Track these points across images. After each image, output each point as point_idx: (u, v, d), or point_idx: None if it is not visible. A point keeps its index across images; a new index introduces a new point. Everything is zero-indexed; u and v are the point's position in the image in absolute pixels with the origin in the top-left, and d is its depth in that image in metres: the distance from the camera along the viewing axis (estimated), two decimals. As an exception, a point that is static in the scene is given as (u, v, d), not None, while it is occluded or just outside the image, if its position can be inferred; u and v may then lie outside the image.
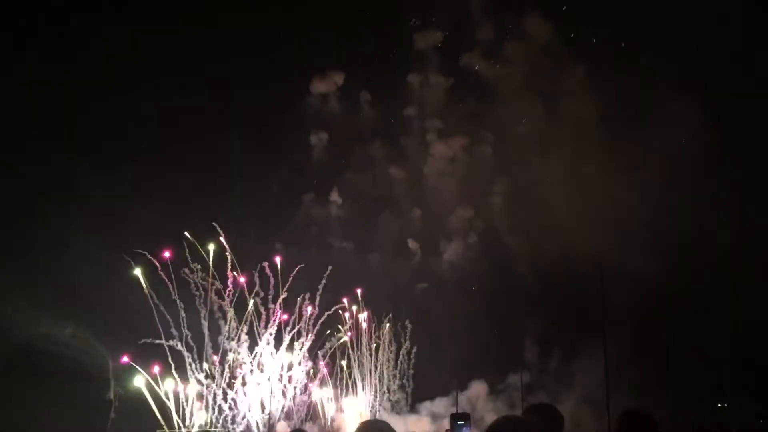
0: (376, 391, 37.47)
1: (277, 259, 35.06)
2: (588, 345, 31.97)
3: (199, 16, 39.69)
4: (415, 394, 37.94)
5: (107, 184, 35.95)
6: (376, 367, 37.57)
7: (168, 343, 32.20)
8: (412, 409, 37.00)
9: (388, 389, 37.79)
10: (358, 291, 37.34)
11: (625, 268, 33.68)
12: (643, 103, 38.62)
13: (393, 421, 34.30)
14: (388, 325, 38.06)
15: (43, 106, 35.98)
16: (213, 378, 33.32)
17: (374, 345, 37.72)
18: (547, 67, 40.77)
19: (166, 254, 33.09)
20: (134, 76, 36.48)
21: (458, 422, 29.71)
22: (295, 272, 34.89)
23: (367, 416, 34.39)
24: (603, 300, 28.34)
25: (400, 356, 38.03)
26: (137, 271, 32.28)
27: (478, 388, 36.75)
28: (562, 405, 32.96)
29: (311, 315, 35.50)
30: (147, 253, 33.24)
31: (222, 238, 34.26)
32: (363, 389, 37.11)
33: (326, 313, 35.86)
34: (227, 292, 34.03)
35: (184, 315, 33.08)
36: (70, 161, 35.42)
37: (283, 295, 34.74)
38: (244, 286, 34.40)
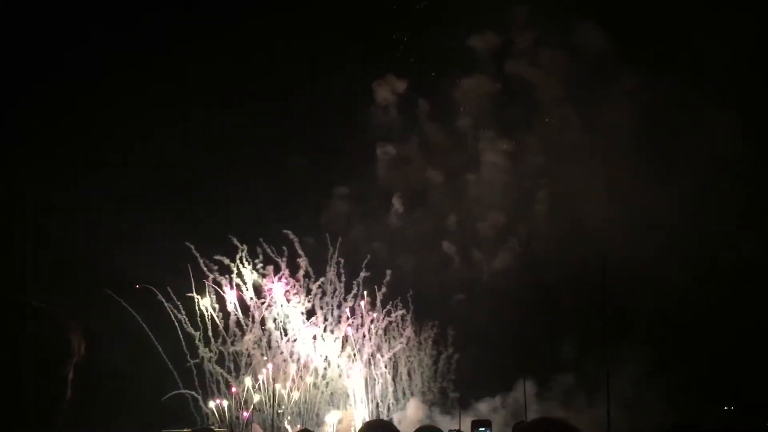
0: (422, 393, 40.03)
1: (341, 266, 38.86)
2: (623, 349, 34.09)
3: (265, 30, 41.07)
4: (462, 394, 39.36)
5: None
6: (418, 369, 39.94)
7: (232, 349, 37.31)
8: (464, 408, 39.53)
9: (430, 390, 40.06)
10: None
11: (656, 277, 35.89)
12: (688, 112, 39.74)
13: (444, 421, 37.69)
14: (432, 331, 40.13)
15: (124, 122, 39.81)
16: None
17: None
18: (594, 76, 42.11)
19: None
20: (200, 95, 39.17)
21: (480, 428, 30.57)
22: (359, 279, 38.63)
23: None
24: (603, 305, 30.32)
25: (441, 360, 39.96)
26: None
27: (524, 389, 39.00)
28: (597, 408, 35.77)
29: (372, 321, 39.08)
30: (225, 258, 37.71)
31: (297, 245, 38.06)
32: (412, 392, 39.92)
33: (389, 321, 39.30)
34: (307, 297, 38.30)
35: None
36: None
37: (349, 304, 38.56)
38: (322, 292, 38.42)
